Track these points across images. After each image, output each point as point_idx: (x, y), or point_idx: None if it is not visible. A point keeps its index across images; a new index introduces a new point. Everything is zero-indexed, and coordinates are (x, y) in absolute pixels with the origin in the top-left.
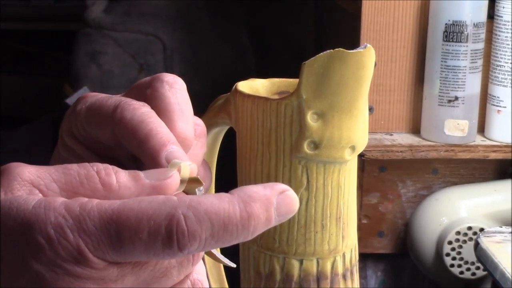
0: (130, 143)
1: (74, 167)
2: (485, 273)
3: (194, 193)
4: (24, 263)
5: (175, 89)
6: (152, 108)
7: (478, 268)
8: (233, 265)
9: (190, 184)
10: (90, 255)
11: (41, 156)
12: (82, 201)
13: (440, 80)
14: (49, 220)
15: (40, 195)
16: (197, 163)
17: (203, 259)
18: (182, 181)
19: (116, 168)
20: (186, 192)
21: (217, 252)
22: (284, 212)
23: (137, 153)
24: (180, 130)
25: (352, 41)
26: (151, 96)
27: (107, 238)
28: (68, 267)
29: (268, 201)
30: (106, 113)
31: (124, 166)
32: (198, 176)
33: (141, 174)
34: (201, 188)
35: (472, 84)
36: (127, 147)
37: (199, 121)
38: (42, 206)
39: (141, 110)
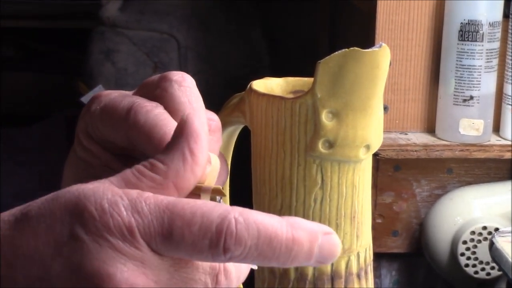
0: (146, 148)
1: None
2: (500, 273)
3: (215, 199)
4: (72, 231)
5: (184, 87)
6: (164, 108)
7: (493, 268)
8: (255, 267)
9: (213, 194)
10: (139, 235)
11: (54, 154)
12: (140, 191)
13: (455, 79)
14: (106, 196)
15: None
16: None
17: None
18: (206, 190)
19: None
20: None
21: None
22: (327, 252)
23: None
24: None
25: (366, 40)
26: (161, 96)
27: (159, 224)
28: (114, 241)
29: (314, 234)
30: (120, 116)
31: None
32: (221, 187)
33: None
34: (220, 198)
35: (487, 84)
36: (143, 151)
37: (213, 116)
38: (101, 187)
39: (154, 113)
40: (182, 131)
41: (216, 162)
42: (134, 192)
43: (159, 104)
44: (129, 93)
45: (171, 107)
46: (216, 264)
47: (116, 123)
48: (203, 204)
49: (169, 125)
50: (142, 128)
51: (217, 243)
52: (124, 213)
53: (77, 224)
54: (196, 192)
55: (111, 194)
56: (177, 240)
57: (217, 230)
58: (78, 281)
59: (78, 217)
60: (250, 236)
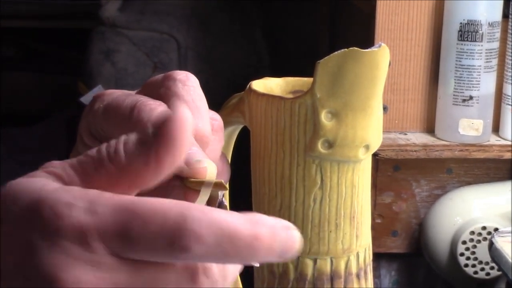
0: None
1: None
2: (499, 273)
3: (217, 195)
4: (27, 236)
5: (188, 86)
6: (167, 107)
7: (492, 268)
8: (256, 264)
9: (214, 188)
10: (94, 238)
11: (55, 153)
12: (95, 190)
13: (455, 79)
14: (62, 199)
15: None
16: (215, 157)
17: None
18: (208, 182)
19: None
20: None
21: None
22: (287, 247)
23: None
24: (197, 128)
25: (366, 40)
26: (165, 95)
27: (116, 225)
28: (68, 245)
29: (275, 229)
30: (123, 114)
31: None
32: (222, 181)
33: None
34: (223, 193)
35: (487, 84)
36: None
37: (216, 116)
38: (59, 189)
39: (158, 111)
40: (158, 132)
41: (212, 169)
42: (92, 192)
43: (162, 103)
44: (132, 92)
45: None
46: (193, 263)
47: (120, 122)
48: (162, 202)
49: None
50: (146, 126)
51: (175, 242)
52: (80, 216)
53: (32, 229)
54: (197, 187)
55: (67, 197)
56: (134, 240)
57: (175, 227)
58: (29, 283)
59: (34, 222)
60: (210, 233)
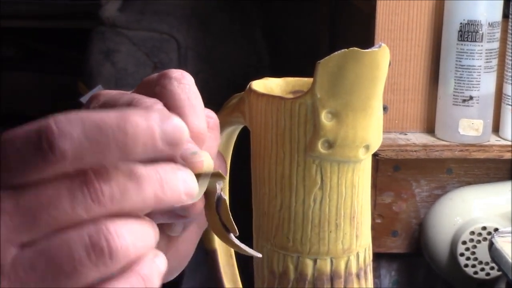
0: None
1: None
2: (499, 273)
3: (215, 187)
4: None
5: (183, 84)
6: (163, 105)
7: (492, 268)
8: (259, 255)
9: (212, 178)
10: None
11: None
12: None
13: (455, 79)
14: None
15: None
16: (212, 155)
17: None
18: (205, 174)
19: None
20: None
21: (240, 242)
22: (172, 130)
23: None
24: (193, 125)
25: (366, 40)
26: (160, 93)
27: None
28: None
29: (147, 112)
30: None
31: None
32: (220, 171)
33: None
34: (221, 182)
35: (487, 84)
36: None
37: (211, 114)
38: None
39: (153, 109)
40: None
41: (209, 162)
42: None
43: (158, 101)
44: (128, 92)
45: (170, 104)
46: (82, 171)
47: None
48: (25, 125)
49: None
50: None
51: (41, 145)
52: None
53: None
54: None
55: None
56: (5, 164)
57: (37, 134)
58: None
59: None
60: (74, 126)
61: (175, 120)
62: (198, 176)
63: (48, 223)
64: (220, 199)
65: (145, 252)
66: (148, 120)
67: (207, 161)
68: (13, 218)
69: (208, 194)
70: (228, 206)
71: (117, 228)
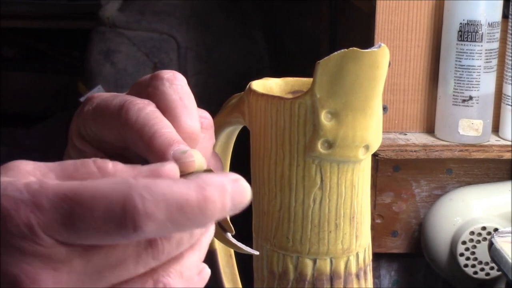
0: (137, 146)
1: (70, 161)
2: (499, 273)
3: None
4: None
5: (176, 85)
6: (156, 106)
7: (492, 268)
8: (257, 252)
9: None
10: (39, 230)
11: (55, 154)
12: (46, 180)
13: (455, 79)
14: (6, 193)
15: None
16: (206, 155)
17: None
18: (197, 172)
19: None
20: None
21: (237, 241)
22: (238, 200)
23: (145, 155)
24: (186, 126)
25: (366, 40)
26: (153, 94)
27: (60, 215)
28: (16, 242)
29: (223, 186)
30: (112, 114)
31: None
32: (211, 168)
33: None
34: None
35: (487, 84)
36: (135, 150)
37: (205, 114)
38: (6, 182)
39: (146, 111)
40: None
41: (201, 160)
42: (36, 184)
43: (150, 102)
44: (122, 94)
45: (162, 105)
46: None
47: (109, 122)
48: (106, 184)
49: (160, 123)
50: (134, 126)
51: (125, 223)
52: (23, 210)
53: None
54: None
55: (11, 190)
56: (81, 228)
57: (121, 210)
58: None
59: None
60: (158, 208)
61: (242, 183)
62: (191, 174)
63: (111, 281)
64: None
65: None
66: (223, 195)
67: (198, 160)
68: (81, 277)
69: None
70: None
71: (171, 276)
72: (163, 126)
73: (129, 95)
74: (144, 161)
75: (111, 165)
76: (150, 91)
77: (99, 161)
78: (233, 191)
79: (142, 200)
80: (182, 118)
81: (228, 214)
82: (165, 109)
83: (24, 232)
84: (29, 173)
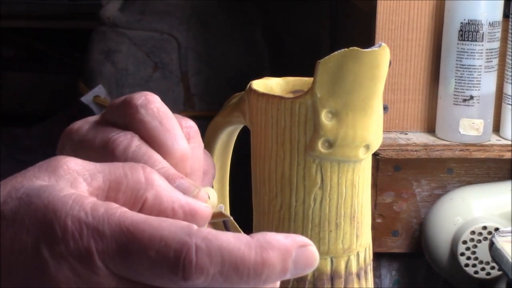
0: None
1: (119, 163)
2: (500, 273)
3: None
4: (35, 245)
5: (151, 109)
6: (139, 137)
7: (493, 267)
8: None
9: (215, 218)
10: (97, 258)
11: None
12: (111, 205)
13: (455, 79)
14: (72, 211)
15: (84, 183)
16: (199, 163)
17: None
18: (215, 216)
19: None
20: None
21: None
22: (303, 266)
23: None
24: (173, 150)
25: (367, 39)
26: (131, 125)
27: (118, 246)
28: (73, 263)
29: (287, 251)
30: (97, 152)
31: None
32: (223, 211)
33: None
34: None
35: (488, 83)
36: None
37: (189, 123)
38: (72, 198)
39: (132, 149)
40: None
41: (214, 198)
42: (102, 207)
43: (133, 135)
44: (96, 117)
45: (144, 135)
46: None
47: (95, 160)
48: (167, 226)
49: (150, 160)
50: None
51: (176, 270)
52: (85, 233)
53: (41, 239)
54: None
55: (77, 209)
56: (134, 263)
57: (175, 256)
58: None
59: (43, 232)
60: (212, 263)
61: (310, 249)
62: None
63: None
64: (226, 221)
65: None
66: (286, 260)
67: (213, 200)
68: None
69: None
70: (236, 224)
71: None
72: (153, 164)
73: (109, 129)
74: None
75: (157, 178)
76: (128, 121)
77: (148, 171)
78: (298, 257)
79: (197, 251)
80: (168, 143)
81: (291, 277)
82: (148, 138)
83: (83, 255)
84: (78, 173)
